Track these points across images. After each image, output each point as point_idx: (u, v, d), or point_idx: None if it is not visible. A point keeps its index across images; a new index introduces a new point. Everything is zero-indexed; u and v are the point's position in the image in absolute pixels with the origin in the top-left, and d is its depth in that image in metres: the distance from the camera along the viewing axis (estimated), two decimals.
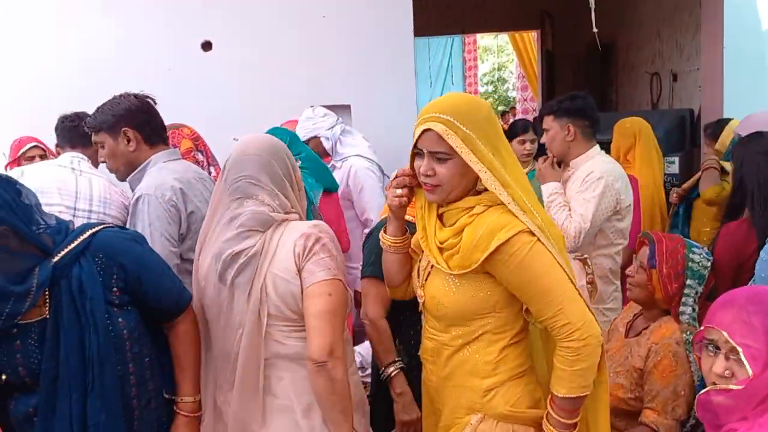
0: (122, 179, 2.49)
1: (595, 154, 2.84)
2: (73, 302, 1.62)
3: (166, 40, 4.18)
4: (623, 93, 7.65)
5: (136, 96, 2.44)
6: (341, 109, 4.01)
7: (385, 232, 1.84)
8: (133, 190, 2.43)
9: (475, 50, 15.86)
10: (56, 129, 2.99)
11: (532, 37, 10.44)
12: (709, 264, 2.16)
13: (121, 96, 2.43)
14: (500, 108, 15.26)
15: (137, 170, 2.40)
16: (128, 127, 2.37)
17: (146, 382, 1.73)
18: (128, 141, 2.38)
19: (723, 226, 2.65)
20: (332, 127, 3.42)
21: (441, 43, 13.26)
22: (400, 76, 4.31)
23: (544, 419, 1.64)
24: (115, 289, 1.67)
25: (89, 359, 1.62)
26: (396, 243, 1.82)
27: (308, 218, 2.30)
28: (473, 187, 1.68)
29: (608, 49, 7.78)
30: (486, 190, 1.63)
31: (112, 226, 1.77)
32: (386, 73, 4.29)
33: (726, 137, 3.59)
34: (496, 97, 16.78)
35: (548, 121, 2.90)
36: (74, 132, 2.88)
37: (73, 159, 2.75)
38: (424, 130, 1.61)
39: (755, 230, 2.50)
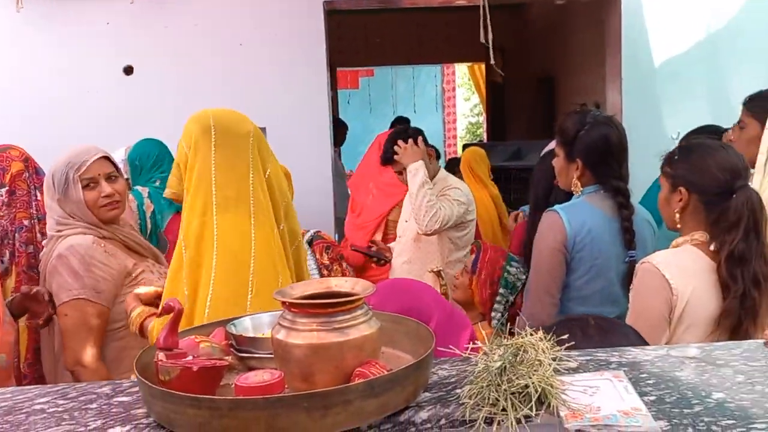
0: None
1: (446, 174, 3.27)
2: None
3: (90, 64, 4.43)
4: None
5: None
6: None
7: None
8: None
9: (453, 81, 16.22)
10: None
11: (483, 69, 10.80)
12: (523, 278, 2.38)
13: None
14: None
15: None
16: None
17: None
18: None
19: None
20: None
21: (408, 73, 13.60)
22: (316, 103, 4.58)
23: None
24: None
25: None
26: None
27: (152, 242, 2.51)
28: None
29: (549, 81, 8.12)
30: None
31: None
32: (301, 100, 4.55)
33: None
34: None
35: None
36: None
37: None
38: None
39: None
